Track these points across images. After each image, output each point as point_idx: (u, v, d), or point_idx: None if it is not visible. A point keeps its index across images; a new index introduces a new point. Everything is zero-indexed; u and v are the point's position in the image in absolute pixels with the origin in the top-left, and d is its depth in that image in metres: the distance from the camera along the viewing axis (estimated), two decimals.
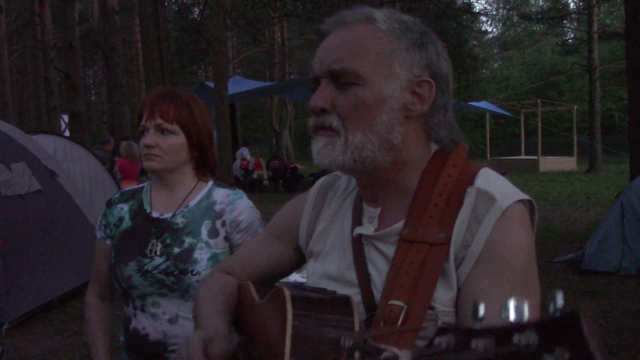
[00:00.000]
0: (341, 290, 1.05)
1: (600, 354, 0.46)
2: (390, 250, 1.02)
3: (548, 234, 9.20)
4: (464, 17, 24.46)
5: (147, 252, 1.74)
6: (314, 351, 0.90)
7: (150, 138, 1.73)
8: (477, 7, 47.87)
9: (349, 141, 1.01)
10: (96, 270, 1.90)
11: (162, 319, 1.73)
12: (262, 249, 1.30)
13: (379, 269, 1.03)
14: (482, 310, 0.56)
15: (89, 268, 2.01)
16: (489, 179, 1.02)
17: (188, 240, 1.74)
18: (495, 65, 48.50)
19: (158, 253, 1.73)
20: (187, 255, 1.71)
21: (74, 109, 14.46)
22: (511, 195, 0.98)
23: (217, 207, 1.78)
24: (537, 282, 0.97)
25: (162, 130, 1.74)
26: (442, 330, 0.56)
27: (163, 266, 1.71)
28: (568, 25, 37.03)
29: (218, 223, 1.77)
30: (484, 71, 42.44)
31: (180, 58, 29.31)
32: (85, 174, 7.97)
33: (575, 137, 26.00)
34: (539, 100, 26.09)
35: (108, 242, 1.86)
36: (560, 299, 0.50)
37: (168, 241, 1.75)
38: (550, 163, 25.15)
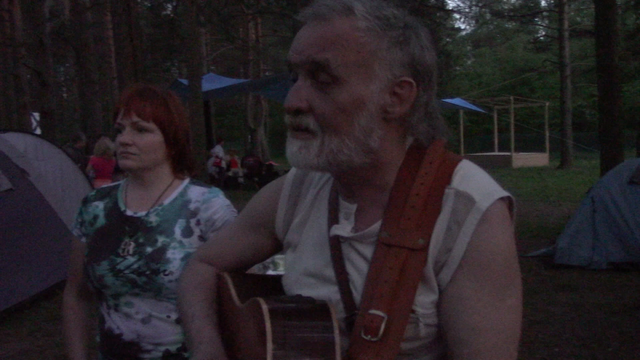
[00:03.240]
0: (320, 287, 1.05)
1: None
2: (368, 250, 1.01)
3: (521, 229, 9.30)
4: (438, 14, 24.63)
5: (120, 251, 1.71)
6: (295, 358, 0.91)
7: (126, 136, 1.70)
8: (451, 5, 48.28)
9: (325, 144, 0.97)
10: (73, 268, 1.87)
11: (135, 318, 1.70)
12: (239, 239, 1.27)
13: (358, 269, 1.01)
14: None
15: (62, 268, 1.98)
16: (466, 177, 0.99)
17: (161, 239, 1.71)
18: (469, 62, 48.97)
19: (131, 252, 1.70)
20: (159, 254, 1.68)
21: (45, 106, 14.26)
22: (490, 194, 0.96)
23: (192, 206, 1.76)
24: (519, 279, 0.97)
25: (138, 128, 1.71)
26: None
27: (135, 266, 1.68)
28: (539, 22, 37.56)
29: (192, 222, 1.74)
30: (457, 68, 42.79)
31: (153, 55, 29.01)
32: (57, 173, 7.83)
33: (547, 134, 26.39)
34: (511, 97, 26.38)
35: (83, 240, 1.83)
36: None
37: (141, 240, 1.72)
38: (523, 159, 25.44)
